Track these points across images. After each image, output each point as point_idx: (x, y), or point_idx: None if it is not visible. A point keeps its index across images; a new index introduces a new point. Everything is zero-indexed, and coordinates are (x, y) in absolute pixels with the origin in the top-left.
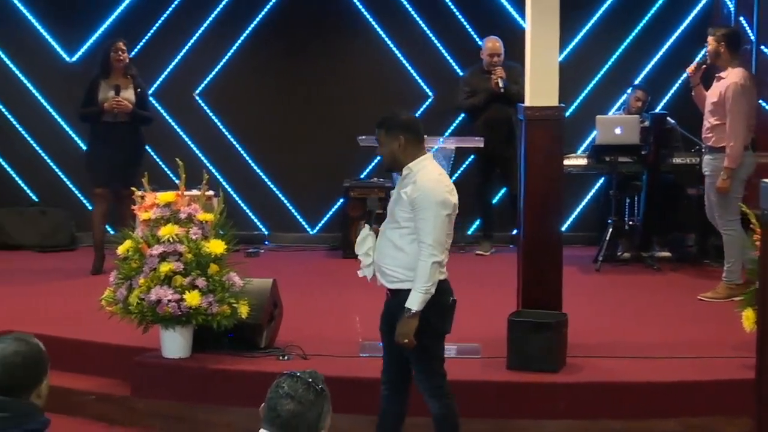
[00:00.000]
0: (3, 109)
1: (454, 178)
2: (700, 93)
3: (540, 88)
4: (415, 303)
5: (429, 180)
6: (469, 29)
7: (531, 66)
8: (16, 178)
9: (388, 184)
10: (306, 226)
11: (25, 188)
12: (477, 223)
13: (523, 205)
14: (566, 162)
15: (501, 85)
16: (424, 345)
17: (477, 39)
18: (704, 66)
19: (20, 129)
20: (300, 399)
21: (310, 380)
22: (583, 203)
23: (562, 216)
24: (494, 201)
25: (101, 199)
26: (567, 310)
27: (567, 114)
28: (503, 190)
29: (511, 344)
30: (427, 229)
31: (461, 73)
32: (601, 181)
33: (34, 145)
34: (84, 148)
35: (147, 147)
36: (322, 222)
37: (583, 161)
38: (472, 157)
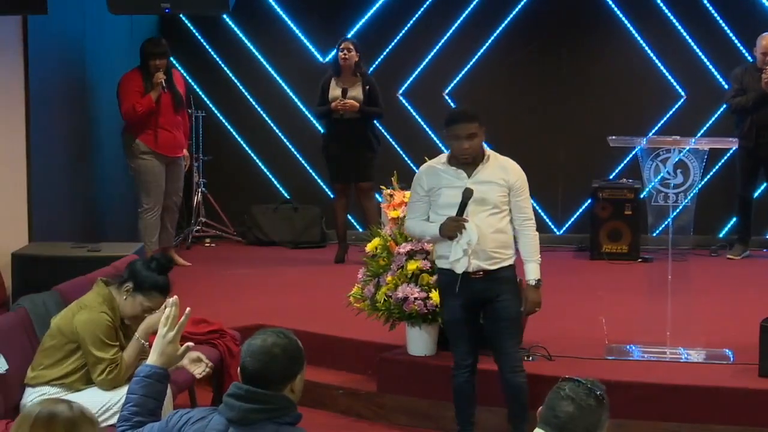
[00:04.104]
0: (260, 110)
1: (707, 177)
2: None
3: None
4: (538, 272)
5: (514, 164)
6: (725, 27)
7: None
8: (271, 177)
9: (637, 186)
10: (553, 227)
11: (279, 186)
12: (729, 225)
13: None
14: None
15: None
16: (520, 318)
17: (733, 37)
18: None
19: (275, 129)
20: (580, 403)
21: (592, 387)
22: None
23: None
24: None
25: (340, 193)
26: None
27: None
28: (760, 190)
29: (765, 351)
30: (529, 206)
31: (715, 73)
32: None
33: (288, 144)
34: None
35: (395, 144)
36: (570, 222)
37: None
38: (726, 158)
